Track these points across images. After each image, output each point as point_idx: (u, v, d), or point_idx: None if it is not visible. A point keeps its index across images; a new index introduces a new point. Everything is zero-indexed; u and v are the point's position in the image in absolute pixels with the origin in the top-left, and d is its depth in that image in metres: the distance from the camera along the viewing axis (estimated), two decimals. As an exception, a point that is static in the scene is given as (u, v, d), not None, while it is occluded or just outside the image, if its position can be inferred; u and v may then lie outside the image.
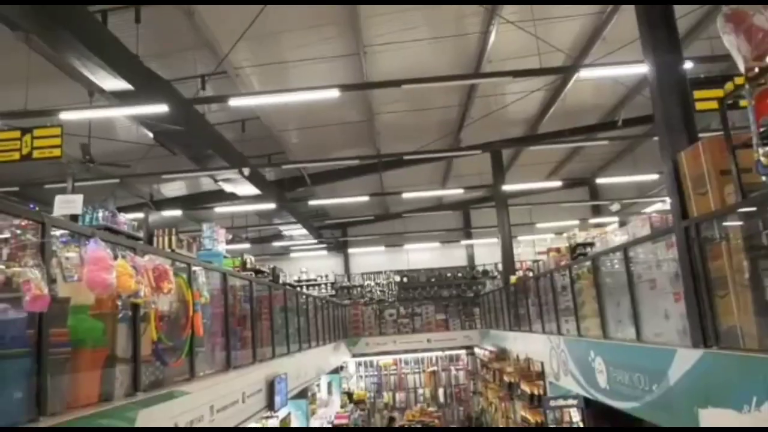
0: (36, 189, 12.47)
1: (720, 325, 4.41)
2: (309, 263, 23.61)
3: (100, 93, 8.61)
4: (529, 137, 15.26)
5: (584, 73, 9.34)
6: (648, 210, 17.46)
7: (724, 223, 4.45)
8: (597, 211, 22.09)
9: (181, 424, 4.33)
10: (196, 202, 17.09)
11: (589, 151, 17.38)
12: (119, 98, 8.12)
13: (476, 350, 19.02)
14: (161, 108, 8.07)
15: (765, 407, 3.69)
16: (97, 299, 3.47)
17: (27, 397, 2.75)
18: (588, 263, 7.73)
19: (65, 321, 3.21)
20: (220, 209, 16.79)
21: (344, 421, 12.70)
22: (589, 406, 10.65)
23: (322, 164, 15.36)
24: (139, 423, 3.60)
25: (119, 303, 3.76)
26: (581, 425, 9.87)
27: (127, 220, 6.69)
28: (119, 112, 9.15)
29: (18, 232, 2.83)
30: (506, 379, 13.58)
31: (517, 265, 16.41)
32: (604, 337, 6.98)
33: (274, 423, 10.53)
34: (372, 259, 23.57)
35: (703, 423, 4.56)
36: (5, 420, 2.58)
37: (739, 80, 4.12)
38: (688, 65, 6.69)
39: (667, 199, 5.42)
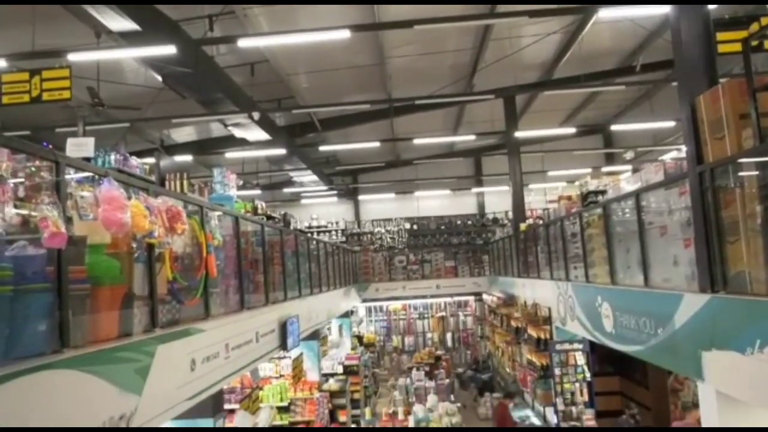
0: (47, 133, 12.48)
1: (728, 270, 4.43)
2: (320, 210, 23.75)
3: (107, 34, 8.46)
4: (543, 82, 14.89)
5: (604, 13, 8.97)
6: (663, 158, 17.22)
7: (739, 169, 4.40)
8: (610, 159, 21.83)
9: (198, 360, 4.49)
10: (206, 148, 17.08)
11: (604, 98, 16.99)
12: (126, 39, 7.99)
13: (484, 296, 19.33)
14: (169, 49, 7.94)
15: (767, 350, 3.75)
16: (113, 239, 3.53)
17: (50, 330, 2.85)
18: (599, 210, 7.70)
19: (83, 259, 3.29)
20: (231, 155, 16.77)
21: (355, 362, 13.10)
22: (594, 350, 10.91)
23: (333, 109, 15.18)
24: (158, 358, 3.74)
25: (134, 243, 3.84)
26: (586, 368, 10.13)
27: (138, 163, 6.72)
28: (127, 54, 9.00)
29: (32, 170, 2.86)
30: (513, 324, 13.85)
31: (528, 213, 16.39)
32: (611, 283, 7.04)
33: (287, 363, 10.92)
34: (382, 207, 23.66)
35: (706, 365, 4.65)
36: (31, 350, 2.69)
37: (765, 20, 3.97)
38: (712, 5, 6.42)
39: (683, 148, 5.34)
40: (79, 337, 3.10)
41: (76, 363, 2.87)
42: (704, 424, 5.12)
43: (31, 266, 2.76)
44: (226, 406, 5.91)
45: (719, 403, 4.77)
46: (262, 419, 5.93)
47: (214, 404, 5.23)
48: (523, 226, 13.55)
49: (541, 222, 12.31)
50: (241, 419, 5.94)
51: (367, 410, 8.68)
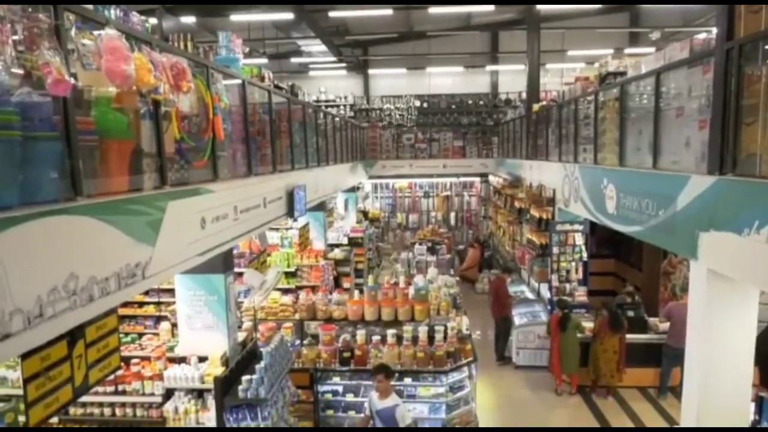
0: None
1: (740, 153, 4.38)
2: (328, 83, 23.14)
3: None
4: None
5: None
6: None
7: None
8: (635, 40, 20.71)
9: (208, 220, 4.63)
10: (210, 10, 16.23)
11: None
12: None
13: (490, 178, 19.44)
14: None
15: (764, 231, 3.82)
16: (118, 94, 3.48)
17: (63, 178, 2.90)
18: (615, 90, 7.47)
19: (89, 111, 3.27)
20: (236, 17, 15.95)
21: (359, 235, 13.52)
22: (593, 233, 11.17)
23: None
24: (169, 214, 3.84)
25: (139, 99, 3.78)
26: (584, 249, 10.44)
27: (140, 20, 6.42)
28: None
29: (30, 13, 2.73)
30: (517, 205, 14.07)
31: (542, 95, 15.94)
32: (619, 165, 7.03)
33: (294, 233, 11.29)
34: (392, 82, 22.99)
35: (702, 245, 4.78)
36: (45, 197, 2.77)
37: None
38: None
39: (713, 29, 5.04)
40: (91, 189, 3.17)
41: (90, 210, 2.96)
42: (692, 301, 5.38)
43: (37, 113, 2.74)
44: (235, 270, 6.20)
45: (709, 280, 4.98)
46: (270, 278, 6.26)
47: (225, 262, 5.49)
48: (535, 107, 13.25)
49: (554, 104, 12.00)
50: (249, 276, 6.27)
51: (370, 278, 9.11)
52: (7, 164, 2.53)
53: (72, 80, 2.76)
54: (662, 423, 8.28)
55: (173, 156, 4.29)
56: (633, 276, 13.06)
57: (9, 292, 2.36)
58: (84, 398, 5.40)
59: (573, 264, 10.44)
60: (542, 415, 8.69)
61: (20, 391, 5.15)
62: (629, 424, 8.37)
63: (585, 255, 10.40)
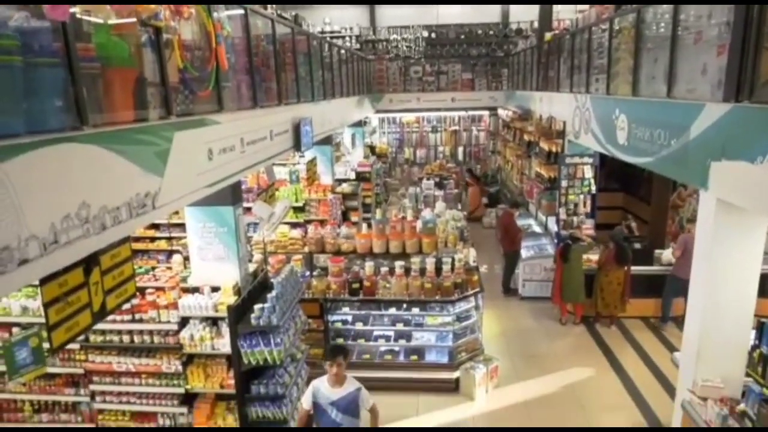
0: None
1: (758, 79, 4.25)
2: (333, 14, 22.34)
3: None
4: None
5: None
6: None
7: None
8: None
9: (215, 151, 4.62)
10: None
11: None
12: None
13: (500, 111, 19.10)
14: None
15: (778, 159, 3.76)
16: (118, 18, 3.39)
17: (67, 107, 2.88)
18: (632, 16, 7.17)
19: (90, 38, 3.20)
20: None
21: (367, 169, 13.48)
22: (602, 166, 11.07)
23: None
24: (176, 144, 3.83)
25: (140, 26, 3.69)
26: (592, 182, 10.39)
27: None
28: None
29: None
30: (526, 138, 13.89)
31: (554, 24, 15.37)
32: (632, 95, 6.86)
33: (301, 168, 11.27)
34: (400, 12, 22.14)
35: (713, 174, 4.73)
36: (51, 125, 2.75)
37: None
38: None
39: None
40: (97, 119, 3.14)
41: (97, 139, 2.95)
42: (700, 231, 5.39)
43: (36, 39, 2.69)
44: (244, 205, 6.24)
45: (717, 211, 4.98)
46: (278, 210, 6.30)
47: (233, 194, 5.52)
48: (548, 36, 12.82)
49: (567, 33, 11.59)
50: (258, 208, 6.32)
51: (378, 211, 9.16)
52: (10, 91, 2.50)
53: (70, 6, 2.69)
54: (664, 351, 8.52)
55: (177, 86, 4.23)
56: (641, 210, 13.06)
57: (24, 218, 2.40)
58: (103, 326, 5.61)
59: (581, 197, 10.42)
60: (546, 343, 8.96)
61: (41, 320, 5.36)
62: (631, 352, 8.62)
63: (593, 188, 10.36)
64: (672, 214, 11.70)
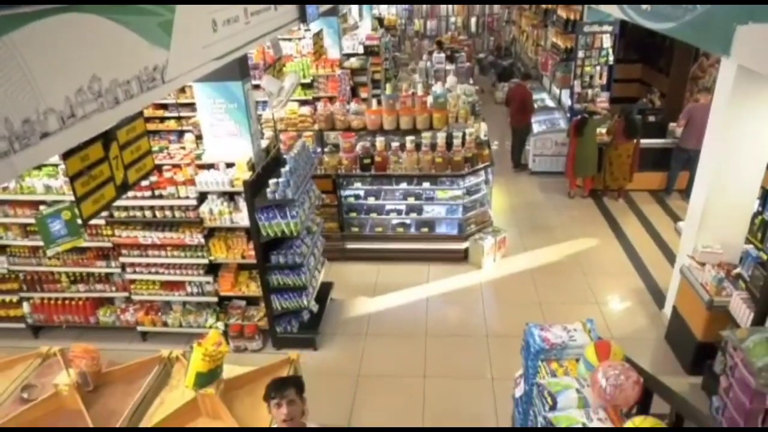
0: None
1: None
2: None
3: None
4: None
5: None
6: None
7: None
8: None
9: (219, 22, 4.47)
10: None
11: None
12: None
13: (516, -24, 17.86)
14: None
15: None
16: None
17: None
18: None
19: None
20: None
21: (375, 42, 12.98)
22: (622, 36, 10.56)
23: None
24: (179, 14, 3.70)
25: None
26: (611, 52, 9.98)
27: None
28: None
29: None
30: (543, 6, 13.13)
31: None
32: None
33: (307, 42, 10.87)
34: None
35: (737, 38, 4.53)
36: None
37: None
38: None
39: None
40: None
41: (98, 9, 2.87)
42: (717, 99, 5.30)
43: None
44: (252, 82, 6.14)
45: (737, 78, 4.86)
46: (287, 84, 6.20)
47: (241, 69, 5.43)
48: None
49: None
50: (266, 82, 6.22)
51: (388, 86, 8.96)
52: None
53: None
54: (668, 221, 8.73)
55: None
56: (659, 82, 12.66)
57: (39, 91, 2.42)
58: (125, 202, 5.83)
59: (597, 69, 10.09)
60: (554, 216, 9.19)
61: (65, 197, 5.57)
62: (636, 223, 8.84)
63: (611, 59, 9.99)
64: (691, 86, 11.36)
